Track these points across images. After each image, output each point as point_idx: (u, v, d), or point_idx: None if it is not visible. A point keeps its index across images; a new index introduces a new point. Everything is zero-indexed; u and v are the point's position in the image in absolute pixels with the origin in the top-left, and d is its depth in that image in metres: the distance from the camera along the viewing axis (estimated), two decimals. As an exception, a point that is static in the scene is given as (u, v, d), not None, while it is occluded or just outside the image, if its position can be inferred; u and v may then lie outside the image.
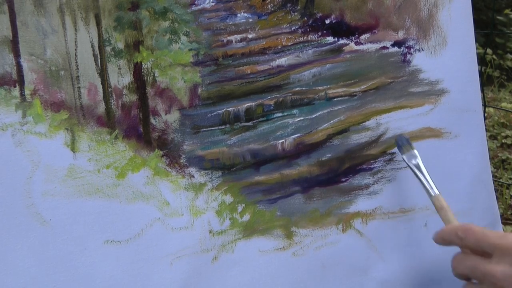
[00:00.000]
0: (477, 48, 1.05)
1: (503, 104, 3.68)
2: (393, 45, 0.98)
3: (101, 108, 0.82)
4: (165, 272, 0.86)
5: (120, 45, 0.82)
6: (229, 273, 0.89)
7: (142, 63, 0.84)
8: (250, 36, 0.90)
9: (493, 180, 1.07)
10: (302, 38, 0.93)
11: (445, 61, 1.00)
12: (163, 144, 0.86)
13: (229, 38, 0.89)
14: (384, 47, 0.98)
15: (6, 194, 0.77)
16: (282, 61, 0.92)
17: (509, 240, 0.76)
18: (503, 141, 3.12)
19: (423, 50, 0.99)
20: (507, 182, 2.59)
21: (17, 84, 0.77)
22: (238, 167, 0.90)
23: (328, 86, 0.95)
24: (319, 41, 0.94)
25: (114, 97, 0.83)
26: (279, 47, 0.92)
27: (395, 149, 0.98)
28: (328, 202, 0.95)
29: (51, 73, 0.79)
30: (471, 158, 1.02)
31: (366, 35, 0.97)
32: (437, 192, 0.90)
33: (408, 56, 0.99)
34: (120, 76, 0.83)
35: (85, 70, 0.81)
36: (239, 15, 0.90)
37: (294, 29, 0.93)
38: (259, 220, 0.91)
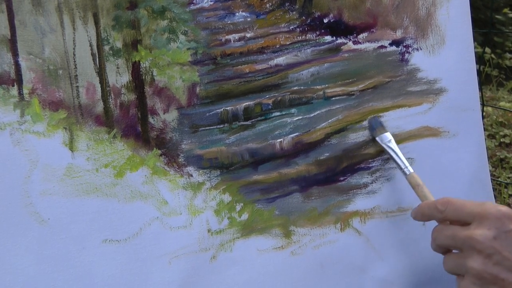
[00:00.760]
0: (475, 47, 1.05)
1: (502, 103, 3.68)
2: (391, 44, 0.98)
3: (100, 107, 0.82)
4: (164, 271, 0.86)
5: (119, 44, 0.82)
6: (227, 272, 0.89)
7: (141, 62, 0.84)
8: (248, 35, 0.90)
9: (491, 179, 1.07)
10: (300, 37, 0.93)
11: (443, 60, 1.00)
12: (161, 143, 0.86)
13: (227, 37, 0.89)
14: (382, 46, 0.98)
15: (4, 193, 0.77)
16: (281, 60, 0.92)
17: (487, 207, 0.78)
18: (501, 140, 3.12)
19: (421, 49, 0.99)
20: (505, 181, 2.60)
21: (15, 83, 0.77)
22: (237, 166, 0.90)
23: (326, 85, 0.95)
24: (317, 40, 0.94)
25: (113, 96, 0.83)
26: (278, 46, 0.92)
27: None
28: (326, 201, 0.95)
29: (49, 72, 0.79)
30: (469, 157, 1.02)
31: (364, 34, 0.97)
32: (411, 170, 0.92)
33: (406, 55, 0.99)
34: (119, 75, 0.83)
35: (83, 69, 0.81)
36: (237, 14, 0.90)
37: (292, 28, 0.93)
38: (257, 219, 0.91)
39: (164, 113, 0.86)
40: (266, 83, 0.91)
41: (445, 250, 0.85)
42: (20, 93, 0.78)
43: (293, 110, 0.93)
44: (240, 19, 0.90)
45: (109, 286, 0.83)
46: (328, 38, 0.95)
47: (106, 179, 0.82)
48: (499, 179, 2.64)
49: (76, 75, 0.80)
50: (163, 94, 0.85)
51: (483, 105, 1.60)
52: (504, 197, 2.51)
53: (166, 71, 0.85)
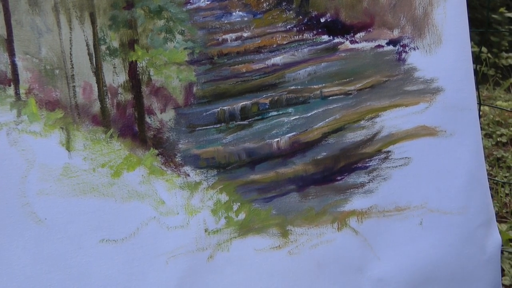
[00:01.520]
0: (472, 47, 1.06)
1: (498, 103, 3.68)
2: (388, 44, 0.98)
3: (96, 107, 0.82)
4: (161, 271, 0.86)
5: (115, 44, 0.82)
6: (224, 271, 0.89)
7: (137, 61, 0.84)
8: (245, 34, 0.90)
9: (488, 178, 1.07)
10: (297, 37, 0.93)
11: (440, 59, 1.00)
12: (158, 143, 0.86)
13: (224, 36, 0.89)
14: (379, 46, 0.98)
15: (1, 193, 0.77)
16: (278, 59, 0.92)
17: None
18: (498, 139, 3.12)
19: (418, 48, 0.99)
20: (502, 180, 2.60)
21: (11, 83, 0.77)
22: (234, 166, 0.90)
23: (324, 84, 0.95)
24: (314, 40, 0.94)
25: (109, 96, 0.83)
26: (275, 46, 0.92)
27: (391, 147, 0.98)
28: (324, 201, 0.95)
29: (46, 72, 0.79)
30: (466, 156, 1.03)
31: (361, 33, 0.97)
32: None
33: (403, 54, 0.99)
34: (115, 75, 0.83)
35: (80, 69, 0.81)
36: (234, 13, 0.90)
37: (289, 28, 0.93)
38: (254, 218, 0.91)
39: (161, 113, 0.86)
40: (263, 83, 0.91)
41: None
42: (17, 93, 0.77)
43: (290, 110, 0.93)
44: (237, 19, 0.90)
45: (106, 286, 0.83)
46: (325, 37, 0.95)
47: (103, 178, 0.82)
48: (496, 178, 2.64)
49: (73, 75, 0.80)
50: (160, 94, 0.85)
51: (480, 104, 1.60)
52: (501, 196, 2.51)
53: (163, 71, 0.85)
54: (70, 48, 0.80)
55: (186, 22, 0.86)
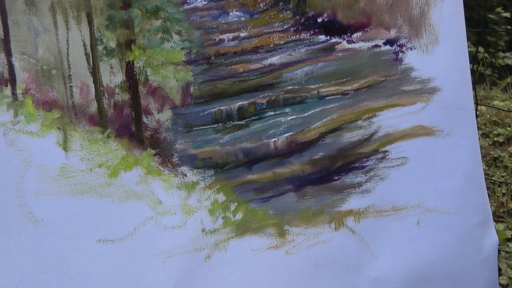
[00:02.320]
0: (469, 47, 1.06)
1: (495, 102, 3.69)
2: (385, 44, 0.98)
3: (93, 107, 0.82)
4: (158, 271, 0.85)
5: (112, 44, 0.82)
6: (222, 271, 0.89)
7: (134, 62, 0.84)
8: (242, 34, 0.90)
9: (485, 178, 1.07)
10: (294, 37, 0.93)
11: (437, 59, 1.00)
12: (155, 143, 0.86)
13: (221, 36, 0.89)
14: (376, 46, 0.98)
15: (-2, 193, 0.77)
16: (275, 59, 0.92)
17: None
18: (495, 139, 3.13)
19: (415, 48, 0.99)
20: (499, 180, 2.60)
21: (8, 83, 0.77)
22: (231, 166, 0.90)
23: (321, 84, 0.95)
24: (311, 40, 0.94)
25: (106, 96, 0.82)
26: (272, 46, 0.92)
27: (388, 147, 0.98)
28: (321, 201, 0.95)
29: (43, 72, 0.79)
30: (463, 156, 1.03)
31: (358, 33, 0.97)
32: None
33: (400, 54, 0.99)
34: (112, 75, 0.83)
35: (77, 69, 0.81)
36: (231, 13, 0.90)
37: (286, 28, 0.93)
38: (251, 218, 0.91)
39: (158, 113, 0.86)
40: (260, 83, 0.91)
41: None
42: (14, 93, 0.77)
43: (287, 110, 0.93)
44: (234, 19, 0.90)
45: (103, 286, 0.83)
46: (322, 37, 0.95)
47: (100, 179, 0.82)
48: (493, 178, 2.64)
49: (70, 75, 0.80)
50: (157, 94, 0.85)
51: (476, 104, 1.60)
52: (498, 196, 2.51)
53: (160, 71, 0.85)
54: (67, 48, 0.80)
55: (183, 22, 0.86)
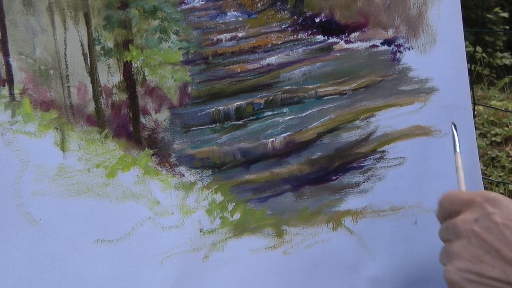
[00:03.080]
0: (466, 46, 1.06)
1: (493, 102, 3.69)
2: (382, 44, 0.98)
3: (91, 107, 0.82)
4: (156, 271, 0.85)
5: (110, 44, 0.82)
6: (219, 271, 0.89)
7: (132, 62, 0.84)
8: (240, 34, 0.90)
9: (482, 177, 1.07)
10: (292, 37, 0.93)
11: (434, 59, 1.00)
12: (153, 143, 0.86)
13: (219, 36, 0.89)
14: (374, 46, 0.98)
15: (-5, 193, 0.77)
16: (272, 59, 0.92)
17: (475, 193, 0.78)
18: (492, 139, 3.13)
19: (412, 48, 0.99)
20: (496, 180, 2.61)
21: (6, 84, 0.77)
22: (229, 166, 0.90)
23: (318, 84, 0.95)
24: (309, 40, 0.94)
25: (104, 96, 0.82)
26: (269, 46, 0.92)
27: (385, 147, 0.98)
28: (319, 201, 0.95)
29: (41, 72, 0.79)
30: (461, 156, 1.03)
31: (356, 33, 0.97)
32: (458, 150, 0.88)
33: (398, 54, 0.99)
34: (110, 75, 0.83)
35: (74, 69, 0.81)
36: (229, 13, 0.90)
37: (284, 28, 0.93)
38: (249, 218, 0.91)
39: (155, 113, 0.86)
40: (257, 83, 0.91)
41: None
42: (11, 93, 0.77)
43: (285, 110, 0.93)
44: (232, 19, 0.90)
45: (101, 286, 0.83)
46: (319, 37, 0.95)
47: (97, 179, 0.82)
48: (491, 178, 2.64)
49: (67, 75, 0.80)
50: (154, 94, 0.85)
51: (474, 104, 1.60)
52: (495, 196, 2.52)
53: (157, 71, 0.85)
54: (65, 48, 0.80)
55: (180, 22, 0.86)
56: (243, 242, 0.91)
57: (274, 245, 0.93)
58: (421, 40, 1.00)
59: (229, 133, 0.90)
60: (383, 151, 0.99)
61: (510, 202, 0.77)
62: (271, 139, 0.93)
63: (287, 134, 0.93)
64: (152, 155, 0.86)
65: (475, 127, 1.11)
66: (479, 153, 1.10)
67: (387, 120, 0.98)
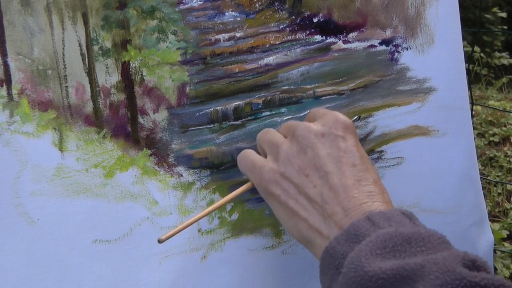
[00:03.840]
0: (464, 46, 1.06)
1: (491, 102, 3.70)
2: (381, 44, 0.98)
3: (89, 107, 0.82)
4: (154, 271, 0.85)
5: (108, 44, 0.82)
6: (218, 272, 0.89)
7: (130, 62, 0.84)
8: (238, 34, 0.90)
9: (480, 177, 1.07)
10: (290, 37, 0.93)
11: (432, 59, 1.00)
12: (151, 143, 0.86)
13: (217, 36, 0.89)
14: (372, 46, 0.98)
15: (-7, 194, 0.77)
16: (270, 59, 0.92)
17: (332, 112, 0.79)
18: (490, 139, 3.14)
19: (410, 48, 1.00)
20: (494, 180, 2.61)
21: (4, 84, 0.77)
22: (227, 166, 0.90)
23: (316, 84, 0.95)
24: (307, 40, 0.94)
25: (102, 96, 0.82)
26: (267, 46, 0.92)
27: (384, 147, 0.98)
28: (317, 201, 0.95)
29: (39, 72, 0.79)
30: (459, 156, 1.03)
31: (354, 33, 0.97)
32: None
33: (396, 54, 0.99)
34: (108, 75, 0.83)
35: (72, 69, 0.81)
36: (227, 13, 0.90)
37: (282, 28, 0.93)
38: (247, 219, 0.91)
39: (154, 113, 0.86)
40: (256, 83, 0.91)
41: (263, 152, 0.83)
42: (9, 94, 0.77)
43: (283, 110, 0.93)
44: (230, 19, 0.90)
45: (99, 286, 0.83)
46: (318, 37, 0.95)
47: (96, 179, 0.82)
48: (489, 178, 2.65)
49: (66, 75, 0.80)
50: (153, 94, 0.85)
51: (472, 104, 1.61)
52: (493, 196, 2.52)
53: (155, 71, 0.85)
54: (63, 49, 0.80)
55: (179, 22, 0.86)
56: (242, 242, 0.91)
57: (272, 245, 0.93)
58: (419, 40, 1.00)
59: (227, 133, 0.90)
60: (381, 151, 0.99)
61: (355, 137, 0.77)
62: (269, 139, 0.92)
63: (285, 134, 0.93)
64: (150, 155, 0.86)
65: (473, 127, 1.11)
66: (477, 153, 1.10)
67: (385, 120, 0.98)
